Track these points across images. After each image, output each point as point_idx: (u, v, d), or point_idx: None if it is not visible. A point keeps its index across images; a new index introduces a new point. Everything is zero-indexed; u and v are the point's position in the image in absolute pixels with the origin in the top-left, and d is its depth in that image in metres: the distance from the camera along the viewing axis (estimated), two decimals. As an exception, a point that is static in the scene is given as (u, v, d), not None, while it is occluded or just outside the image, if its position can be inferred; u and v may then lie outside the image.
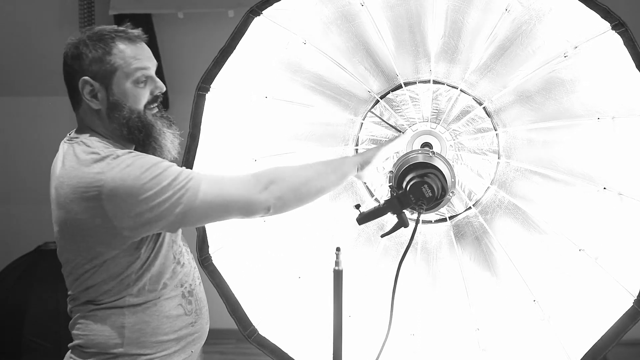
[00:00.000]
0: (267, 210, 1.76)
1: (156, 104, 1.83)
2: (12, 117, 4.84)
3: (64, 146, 1.80)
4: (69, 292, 1.85)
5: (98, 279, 1.76)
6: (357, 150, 2.24)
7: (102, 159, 1.67)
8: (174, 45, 4.58)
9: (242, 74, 2.11)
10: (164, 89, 1.84)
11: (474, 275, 2.17)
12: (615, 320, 1.96)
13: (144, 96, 1.79)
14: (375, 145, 2.18)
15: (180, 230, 1.90)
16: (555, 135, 2.07)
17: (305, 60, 2.13)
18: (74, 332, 1.84)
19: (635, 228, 1.98)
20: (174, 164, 1.75)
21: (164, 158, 1.80)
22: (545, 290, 2.09)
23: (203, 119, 2.05)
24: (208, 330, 2.01)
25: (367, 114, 2.21)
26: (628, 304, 1.95)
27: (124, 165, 1.65)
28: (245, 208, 1.75)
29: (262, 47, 2.10)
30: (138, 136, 1.78)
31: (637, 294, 1.94)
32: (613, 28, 1.84)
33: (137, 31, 1.82)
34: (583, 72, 1.97)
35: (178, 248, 1.89)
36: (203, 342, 1.99)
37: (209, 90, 2.05)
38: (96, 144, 1.73)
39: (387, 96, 2.19)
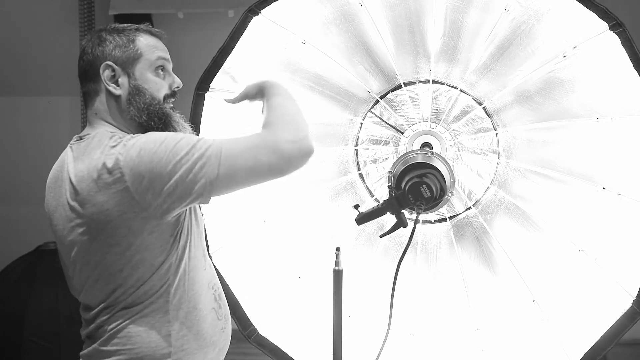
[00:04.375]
0: (290, 160, 1.62)
1: (173, 99, 1.82)
2: (12, 117, 4.84)
3: (71, 148, 1.75)
4: (101, 305, 1.71)
5: (135, 275, 1.66)
6: (357, 150, 2.24)
7: (119, 142, 1.63)
8: (173, 45, 4.56)
9: (241, 74, 2.11)
10: (181, 84, 1.84)
11: (473, 275, 2.17)
12: (615, 321, 1.96)
13: (164, 87, 1.78)
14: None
15: (203, 233, 1.84)
16: (555, 135, 2.07)
17: (304, 60, 2.13)
18: (110, 348, 1.68)
19: (634, 228, 1.98)
20: (189, 134, 1.70)
21: None
22: (545, 291, 2.09)
23: (202, 118, 2.05)
24: None
25: (366, 114, 2.21)
26: (627, 304, 1.95)
27: (140, 143, 1.61)
28: (275, 165, 1.61)
29: (261, 47, 2.10)
30: (157, 124, 1.75)
31: (636, 294, 1.94)
32: (611, 28, 1.85)
33: (159, 30, 1.85)
34: (582, 72, 1.97)
35: (203, 245, 1.82)
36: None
37: (208, 89, 2.05)
38: (110, 134, 1.71)
39: (387, 96, 2.19)
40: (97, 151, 1.64)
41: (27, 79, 4.79)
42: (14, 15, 4.74)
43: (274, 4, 2.02)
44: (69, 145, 1.77)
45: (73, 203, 1.66)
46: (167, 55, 1.81)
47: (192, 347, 1.72)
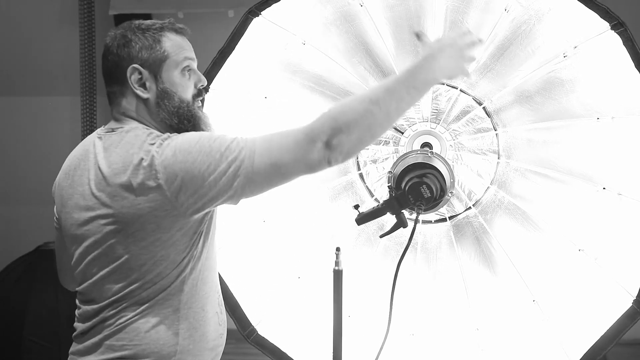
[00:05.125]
0: (329, 162, 1.58)
1: (201, 98, 1.81)
2: (12, 117, 4.84)
3: (101, 138, 1.72)
4: (111, 299, 1.66)
5: (156, 271, 1.64)
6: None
7: (156, 140, 1.62)
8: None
9: (241, 75, 2.11)
10: (206, 82, 1.82)
11: (473, 275, 2.17)
12: (615, 321, 1.96)
13: (190, 87, 1.76)
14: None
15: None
16: (555, 135, 2.07)
17: (304, 60, 2.13)
18: (115, 342, 1.65)
19: (635, 228, 1.98)
20: (224, 133, 1.66)
21: None
22: (545, 291, 2.09)
23: (202, 119, 2.05)
24: None
25: (366, 114, 2.21)
26: (627, 304, 1.95)
27: (175, 143, 1.60)
28: (305, 169, 1.59)
29: (261, 48, 2.10)
30: (187, 126, 1.72)
31: (636, 294, 1.94)
32: (612, 28, 1.85)
33: (183, 25, 1.80)
34: (582, 72, 1.97)
35: (216, 247, 1.81)
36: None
37: (207, 90, 2.05)
38: (148, 130, 1.69)
39: (387, 96, 2.19)
40: (134, 146, 1.63)
41: (27, 79, 4.80)
42: (14, 15, 4.75)
43: (274, 5, 2.02)
44: (95, 135, 1.75)
45: (99, 194, 1.64)
46: (192, 54, 1.78)
47: (196, 348, 1.71)
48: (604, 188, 2.00)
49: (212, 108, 2.07)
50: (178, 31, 1.77)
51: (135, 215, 1.61)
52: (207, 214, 1.68)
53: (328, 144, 1.55)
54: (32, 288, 3.81)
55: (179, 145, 1.59)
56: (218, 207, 1.67)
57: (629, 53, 1.84)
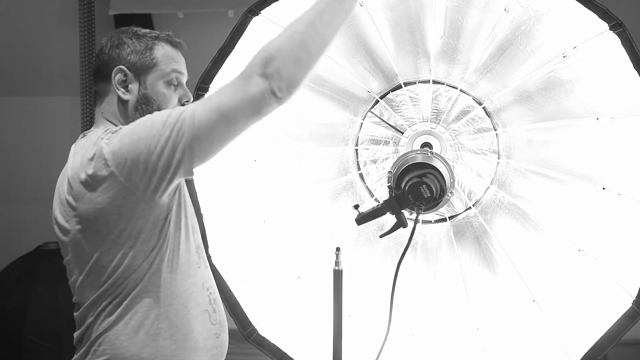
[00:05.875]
0: (273, 94, 1.51)
1: None
2: (12, 117, 4.85)
3: (75, 144, 1.76)
4: (89, 301, 1.67)
5: (125, 263, 1.63)
6: (357, 150, 2.24)
7: (107, 135, 1.64)
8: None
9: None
10: (191, 99, 1.82)
11: (473, 275, 2.17)
12: (615, 321, 1.96)
13: (173, 100, 1.76)
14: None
15: (196, 230, 1.80)
16: (555, 135, 2.07)
17: (304, 60, 2.13)
18: (99, 347, 1.66)
19: (634, 228, 1.98)
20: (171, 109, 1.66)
21: None
22: (545, 291, 2.09)
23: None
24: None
25: (367, 114, 2.21)
26: (627, 304, 1.95)
27: (122, 130, 1.62)
28: (250, 108, 1.52)
29: (261, 48, 2.10)
30: None
31: (636, 294, 1.94)
32: (611, 28, 1.85)
33: (180, 40, 1.82)
34: (582, 72, 1.97)
35: (198, 241, 1.78)
36: None
37: (207, 90, 2.05)
38: (103, 128, 1.71)
39: (387, 96, 2.20)
40: (91, 144, 1.66)
41: (27, 79, 4.80)
42: (14, 15, 4.75)
43: (273, 4, 2.01)
44: (74, 144, 1.77)
45: (69, 197, 1.67)
46: (183, 69, 1.79)
47: (180, 348, 1.68)
48: (603, 188, 2.00)
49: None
50: (174, 44, 1.79)
51: (97, 210, 1.62)
52: (172, 200, 1.66)
53: (265, 75, 1.50)
54: (32, 288, 3.81)
55: (124, 130, 1.60)
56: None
57: (628, 54, 1.84)
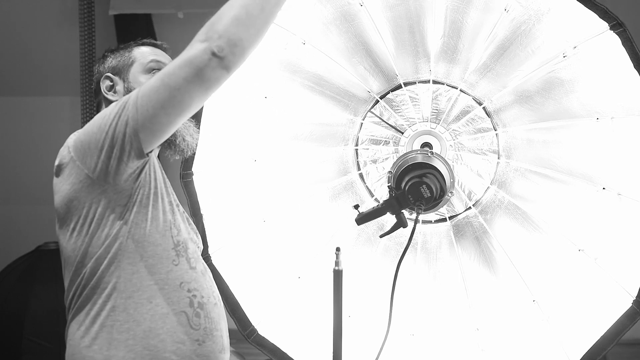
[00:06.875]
0: (214, 54, 1.48)
1: None
2: (12, 117, 4.84)
3: None
4: (67, 300, 1.70)
5: (85, 250, 1.63)
6: (357, 150, 2.24)
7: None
8: (173, 45, 4.57)
9: (241, 75, 2.10)
10: None
11: (473, 275, 2.17)
12: (615, 321, 1.96)
13: None
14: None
15: (181, 228, 1.75)
16: (555, 135, 2.07)
17: (304, 60, 2.13)
18: (66, 355, 1.68)
19: (635, 228, 1.98)
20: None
21: (185, 151, 1.79)
22: (545, 291, 2.09)
23: (202, 119, 2.05)
24: None
25: (366, 114, 2.21)
26: (627, 304, 1.95)
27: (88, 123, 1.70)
28: (190, 72, 1.49)
29: (261, 47, 2.09)
30: None
31: (636, 294, 1.94)
32: (611, 28, 1.85)
33: (161, 43, 1.91)
34: (582, 72, 1.97)
35: (179, 239, 1.72)
36: None
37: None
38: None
39: (387, 96, 2.19)
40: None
41: (27, 79, 4.79)
42: (13, 15, 4.74)
43: (273, 4, 2.01)
44: None
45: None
46: (163, 59, 1.85)
47: (139, 344, 1.62)
48: (603, 188, 2.00)
49: (211, 108, 2.07)
50: (152, 44, 1.89)
51: (62, 197, 1.67)
52: (134, 188, 1.64)
53: (206, 39, 1.51)
54: (32, 288, 3.81)
55: (89, 122, 1.68)
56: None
57: (628, 53, 1.84)
